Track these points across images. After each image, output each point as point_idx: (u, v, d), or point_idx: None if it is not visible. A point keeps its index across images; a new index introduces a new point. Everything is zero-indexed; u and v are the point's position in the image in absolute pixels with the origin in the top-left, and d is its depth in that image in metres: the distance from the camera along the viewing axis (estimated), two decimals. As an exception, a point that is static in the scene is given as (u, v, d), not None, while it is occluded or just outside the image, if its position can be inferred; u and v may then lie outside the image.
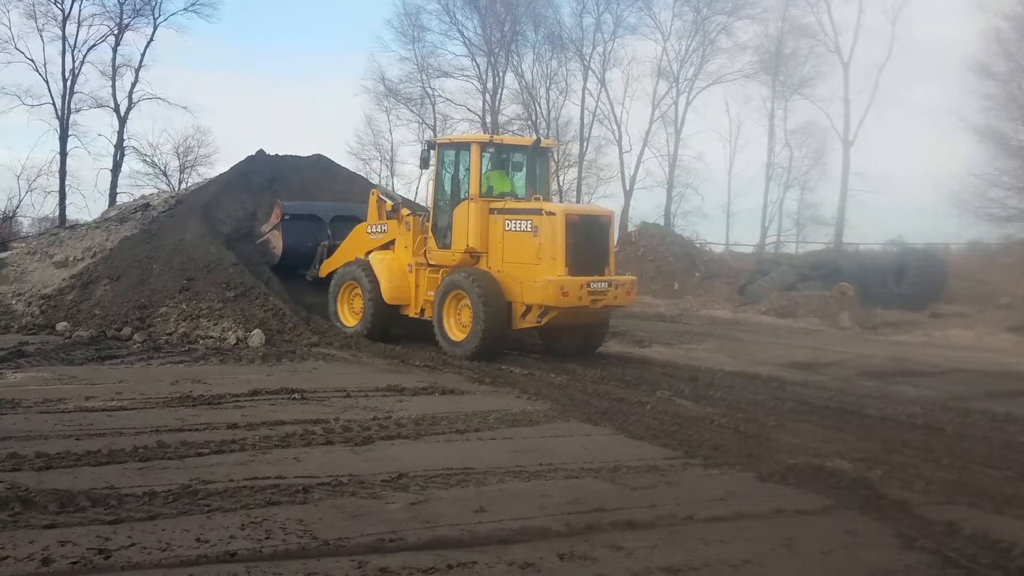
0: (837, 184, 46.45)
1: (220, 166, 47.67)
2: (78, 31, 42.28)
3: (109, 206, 32.41)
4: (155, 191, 30.21)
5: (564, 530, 6.01)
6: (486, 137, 15.70)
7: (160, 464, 7.36)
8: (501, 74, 52.24)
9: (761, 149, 52.26)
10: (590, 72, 50.68)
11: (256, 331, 14.70)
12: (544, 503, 6.62)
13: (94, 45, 42.91)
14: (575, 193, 50.20)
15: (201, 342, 14.51)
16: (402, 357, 13.83)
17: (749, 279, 27.60)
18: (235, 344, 14.41)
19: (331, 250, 17.00)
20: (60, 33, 41.87)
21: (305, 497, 6.54)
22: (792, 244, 49.03)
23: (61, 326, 15.18)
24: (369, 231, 16.20)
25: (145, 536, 5.63)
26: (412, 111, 54.16)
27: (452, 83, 53.47)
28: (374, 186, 18.83)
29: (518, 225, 13.89)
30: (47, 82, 42.04)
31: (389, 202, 16.15)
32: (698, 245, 35.05)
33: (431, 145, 15.28)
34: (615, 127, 51.44)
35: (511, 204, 14.32)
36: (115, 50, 43.38)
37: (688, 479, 7.53)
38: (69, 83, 42.40)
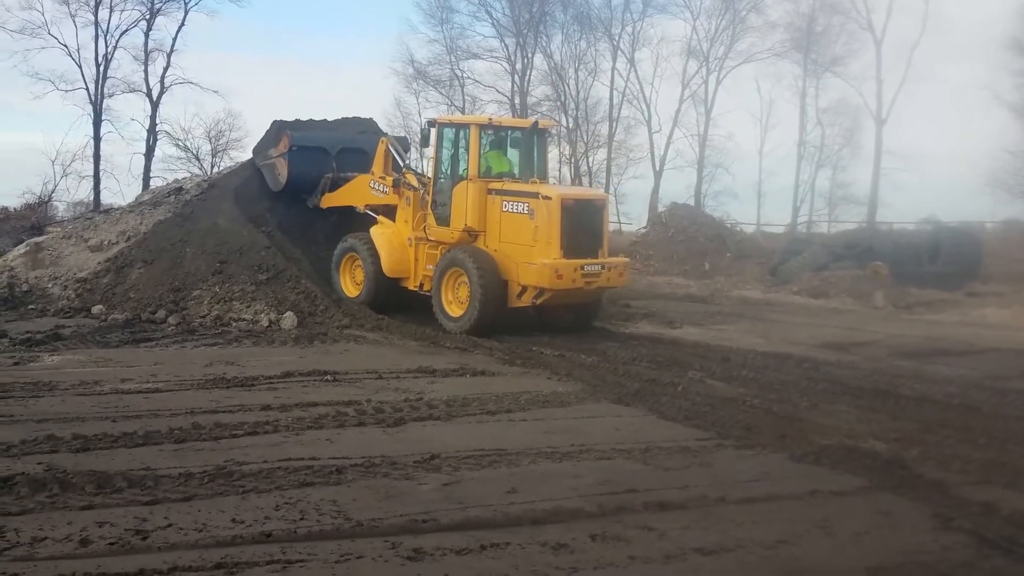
0: (870, 163, 45.97)
1: (251, 149, 47.84)
2: (110, 16, 42.59)
3: (142, 190, 32.64)
4: (188, 175, 30.41)
5: (596, 511, 6.01)
6: (485, 119, 15.80)
7: (195, 446, 7.45)
8: (530, 55, 52.00)
9: (792, 128, 51.57)
10: (619, 52, 50.33)
11: (288, 313, 14.77)
12: (576, 484, 6.62)
13: (126, 30, 43.19)
14: (604, 174, 50.02)
15: (234, 324, 14.60)
16: (432, 339, 13.84)
17: (781, 259, 27.29)
18: (267, 326, 14.50)
19: (334, 182, 17.30)
20: (93, 18, 42.18)
21: (338, 478, 6.59)
22: (824, 224, 48.53)
23: (96, 309, 15.33)
24: (372, 185, 16.40)
25: (181, 517, 5.70)
26: (441, 93, 54.03)
27: (481, 64, 53.32)
28: (385, 135, 18.41)
29: (515, 207, 14.16)
30: (80, 67, 42.42)
31: (396, 161, 16.29)
32: (729, 225, 34.74)
33: (432, 124, 15.53)
34: (644, 107, 51.13)
35: (509, 185, 14.55)
36: (147, 35, 43.63)
37: (720, 460, 7.50)
38: (102, 68, 42.75)
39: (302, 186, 17.55)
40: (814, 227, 47.48)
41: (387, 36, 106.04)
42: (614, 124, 51.25)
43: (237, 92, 56.45)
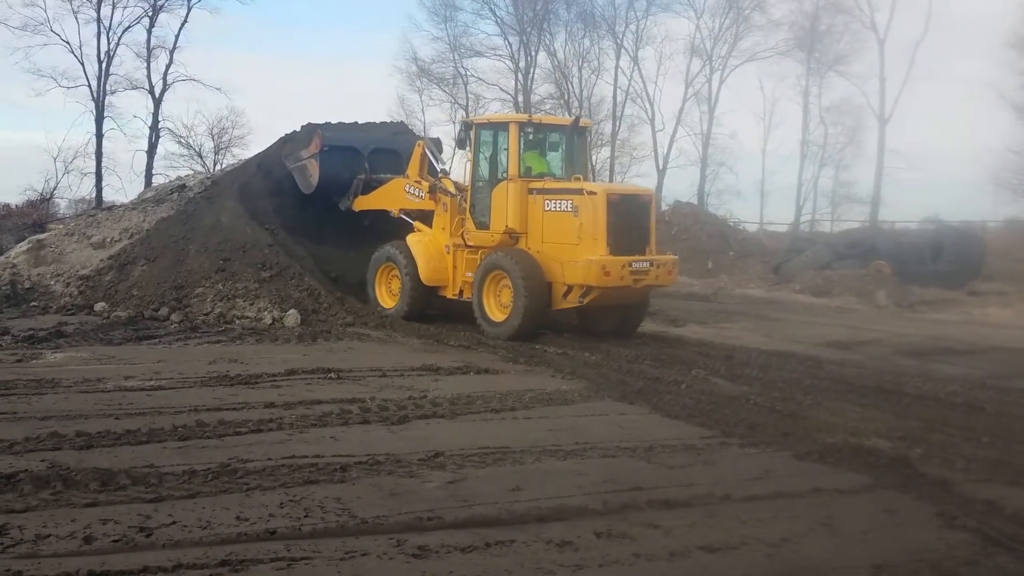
0: (872, 162, 46.07)
1: (254, 147, 47.79)
2: (113, 13, 42.69)
3: (145, 187, 32.67)
4: (190, 172, 30.42)
5: (601, 509, 6.01)
6: (524, 117, 15.48)
7: (199, 443, 7.44)
8: (533, 53, 52.08)
9: (795, 127, 51.92)
10: (623, 50, 50.45)
11: (292, 311, 14.78)
12: (581, 482, 6.62)
13: (129, 27, 43.28)
14: (607, 172, 50.01)
15: (237, 322, 14.61)
16: (436, 337, 13.87)
17: (784, 258, 27.35)
18: (271, 324, 14.51)
19: (367, 184, 16.97)
20: (95, 15, 42.28)
21: (343, 476, 6.58)
22: (827, 223, 48.67)
23: (99, 306, 15.34)
24: (407, 189, 16.00)
25: (185, 514, 5.69)
26: (444, 91, 54.13)
27: (484, 63, 53.44)
28: (421, 137, 18.12)
29: (558, 205, 13.74)
30: (83, 64, 42.53)
31: (432, 164, 15.85)
32: (732, 224, 34.77)
33: (468, 126, 15.10)
34: (648, 106, 51.21)
35: (550, 184, 14.17)
36: (149, 32, 43.74)
37: (725, 458, 7.50)
38: (104, 65, 42.84)
39: (334, 188, 17.22)
40: (817, 226, 47.60)
41: (391, 34, 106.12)
42: (617, 122, 51.38)
43: (240, 89, 56.83)
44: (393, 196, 16.36)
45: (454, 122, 44.06)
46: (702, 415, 8.95)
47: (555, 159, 15.08)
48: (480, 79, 53.06)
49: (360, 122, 19.48)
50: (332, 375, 10.55)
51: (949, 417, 9.08)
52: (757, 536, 5.61)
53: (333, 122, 18.58)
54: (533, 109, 46.97)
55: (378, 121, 20.30)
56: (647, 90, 50.96)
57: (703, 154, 50.51)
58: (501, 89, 52.58)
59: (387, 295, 15.92)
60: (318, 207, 17.83)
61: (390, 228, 16.78)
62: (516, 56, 52.12)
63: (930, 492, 6.58)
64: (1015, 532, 5.71)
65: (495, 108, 50.26)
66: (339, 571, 4.92)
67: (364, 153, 17.41)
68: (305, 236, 17.61)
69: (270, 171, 18.56)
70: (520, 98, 50.85)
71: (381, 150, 17.61)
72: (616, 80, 50.99)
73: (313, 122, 17.96)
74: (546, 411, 9.06)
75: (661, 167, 50.46)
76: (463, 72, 53.27)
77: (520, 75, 52.10)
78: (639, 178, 52.26)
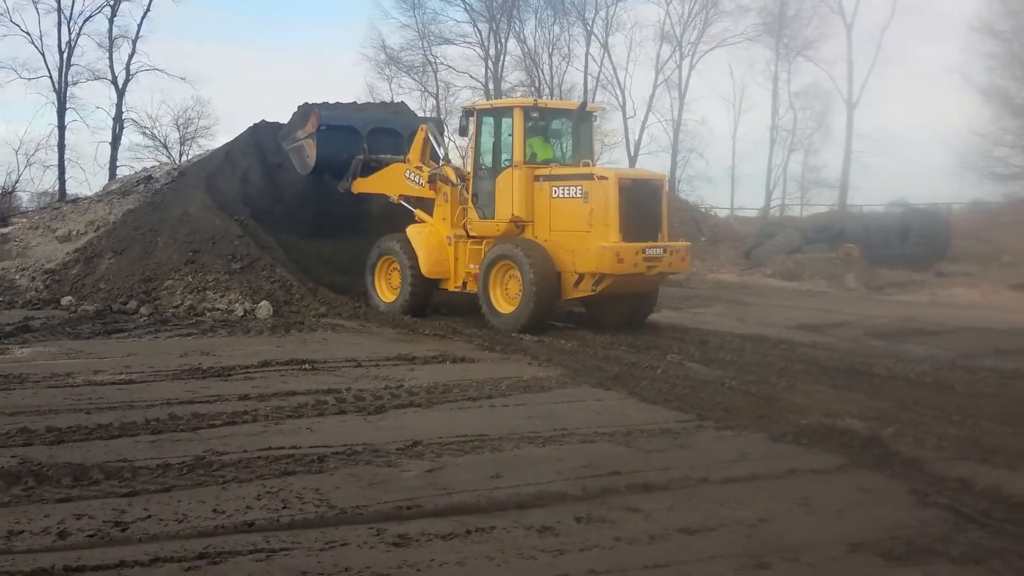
0: (841, 146, 46.40)
1: (221, 137, 47.48)
2: (74, 2, 41.91)
3: (110, 179, 32.31)
4: (156, 163, 30.08)
5: (580, 494, 6.01)
6: (529, 101, 15.02)
7: (173, 436, 7.36)
8: (503, 40, 51.91)
9: (765, 112, 52.06)
10: (593, 37, 50.36)
11: (263, 303, 14.67)
12: (559, 468, 6.62)
13: (90, 16, 42.50)
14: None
15: (208, 314, 14.49)
16: (411, 326, 13.81)
17: (755, 243, 27.55)
18: (243, 316, 14.39)
19: (366, 165, 16.38)
20: (56, 5, 41.45)
21: (320, 466, 6.54)
22: (797, 207, 49.06)
23: (66, 300, 15.16)
24: (407, 175, 15.48)
25: (161, 508, 5.63)
26: (414, 79, 53.77)
27: (454, 50, 53.22)
28: (424, 120, 17.50)
29: (567, 191, 13.34)
30: (43, 55, 41.72)
31: (435, 150, 15.46)
32: (703, 210, 34.93)
33: (469, 112, 14.70)
34: (619, 92, 51.24)
35: (558, 170, 13.74)
36: (111, 21, 42.99)
37: (701, 441, 7.53)
38: (66, 55, 42.05)
39: (332, 168, 16.70)
40: (787, 211, 47.96)
41: (359, 21, 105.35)
42: (588, 109, 51.11)
43: (206, 79, 56.21)
44: (393, 181, 15.88)
45: (424, 111, 43.76)
46: (678, 399, 8.98)
47: (559, 145, 14.65)
48: (450, 67, 52.85)
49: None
50: (306, 366, 10.49)
51: (920, 397, 9.18)
52: (735, 517, 5.64)
53: (331, 102, 18.26)
54: (504, 96, 46.84)
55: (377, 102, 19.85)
56: (618, 77, 51.07)
57: (674, 140, 50.70)
58: (471, 77, 52.45)
59: (387, 289, 15.46)
60: (289, 196, 17.69)
61: (367, 217, 16.65)
62: (486, 43, 51.97)
63: (903, 471, 6.64)
64: (987, 508, 5.78)
65: (466, 96, 50.13)
66: (319, 561, 4.88)
67: (363, 133, 16.86)
68: (276, 226, 17.47)
69: (238, 161, 18.37)
70: (491, 86, 50.70)
71: (380, 130, 17.13)
72: (587, 67, 51.06)
73: (309, 101, 17.47)
74: (523, 398, 9.06)
75: (632, 154, 50.55)
76: (432, 60, 53.04)
77: (490, 62, 51.95)
78: (610, 165, 52.24)
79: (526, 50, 51.79)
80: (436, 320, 14.04)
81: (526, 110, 14.06)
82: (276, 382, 9.61)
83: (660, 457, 7.00)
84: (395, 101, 19.52)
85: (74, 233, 18.14)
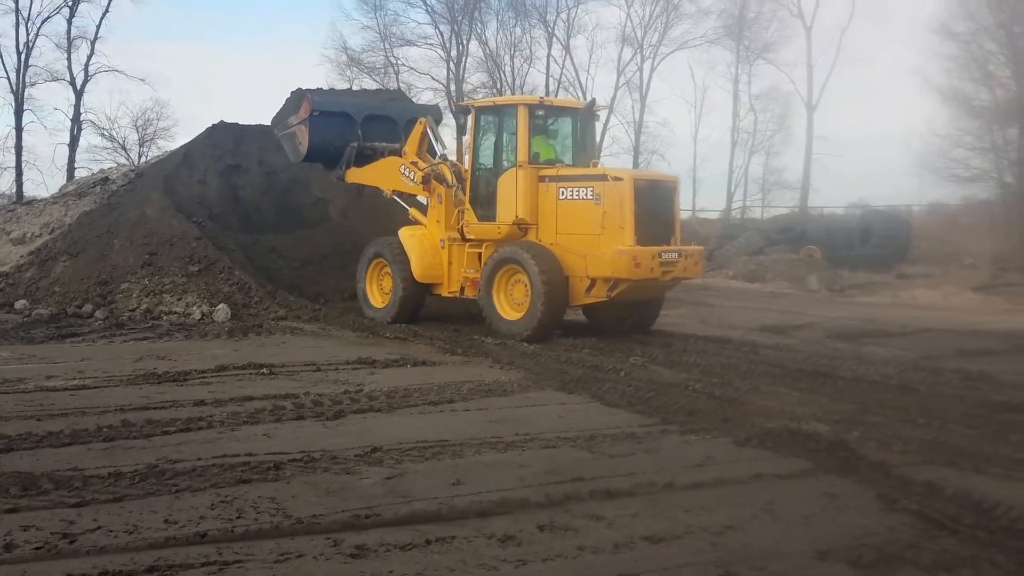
0: (801, 148, 46.68)
1: (181, 138, 46.76)
2: (32, 3, 41.08)
3: (67, 181, 31.70)
4: (114, 165, 29.61)
5: (543, 501, 5.89)
6: (535, 99, 14.57)
7: (125, 444, 7.15)
8: (465, 42, 51.63)
9: (726, 114, 52.29)
10: (554, 39, 50.30)
11: (221, 306, 14.44)
12: (522, 474, 6.50)
13: (48, 17, 41.63)
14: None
15: (165, 318, 14.25)
16: (372, 329, 13.65)
17: (717, 244, 27.68)
18: (200, 319, 14.16)
19: (360, 153, 15.74)
20: (13, 5, 40.51)
21: (277, 474, 6.37)
22: (758, 209, 49.32)
23: (20, 304, 14.84)
24: (402, 170, 14.88)
25: (111, 519, 5.44)
26: (375, 80, 53.19)
27: (416, 52, 52.79)
28: (425, 111, 16.94)
29: (576, 193, 12.82)
30: (1, 56, 40.96)
31: (432, 144, 14.98)
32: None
33: (467, 110, 14.23)
34: (581, 94, 51.13)
35: (565, 171, 13.26)
36: (70, 22, 42.17)
37: (666, 446, 7.45)
38: (23, 56, 41.19)
39: (325, 156, 16.12)
40: (748, 212, 48.20)
41: (320, 22, 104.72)
42: (550, 111, 51.14)
43: (165, 80, 55.49)
44: (387, 174, 15.27)
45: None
46: (642, 403, 8.90)
47: (562, 144, 14.20)
48: (412, 68, 52.48)
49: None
50: (264, 370, 10.30)
51: (884, 399, 9.17)
52: (701, 524, 5.55)
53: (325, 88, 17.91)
54: (466, 98, 46.69)
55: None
56: (579, 79, 50.95)
57: (635, 142, 50.68)
58: (433, 78, 52.15)
59: (379, 293, 14.97)
60: (246, 196, 17.46)
61: (326, 211, 16.45)
62: (448, 45, 51.67)
63: (870, 475, 6.59)
64: (955, 513, 5.73)
65: (427, 97, 49.83)
66: (274, 574, 4.73)
67: (357, 120, 16.17)
68: (234, 227, 17.22)
69: (196, 162, 18.10)
70: (452, 87, 50.51)
71: (375, 117, 16.49)
72: (548, 69, 50.91)
73: (303, 87, 16.89)
74: (485, 402, 8.93)
75: (595, 156, 50.56)
76: (394, 61, 52.67)
77: (452, 64, 51.73)
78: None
79: (488, 52, 51.63)
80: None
81: (531, 108, 13.57)
82: (233, 387, 9.41)
83: (624, 462, 6.90)
84: (392, 88, 19.16)
85: (29, 235, 17.80)
